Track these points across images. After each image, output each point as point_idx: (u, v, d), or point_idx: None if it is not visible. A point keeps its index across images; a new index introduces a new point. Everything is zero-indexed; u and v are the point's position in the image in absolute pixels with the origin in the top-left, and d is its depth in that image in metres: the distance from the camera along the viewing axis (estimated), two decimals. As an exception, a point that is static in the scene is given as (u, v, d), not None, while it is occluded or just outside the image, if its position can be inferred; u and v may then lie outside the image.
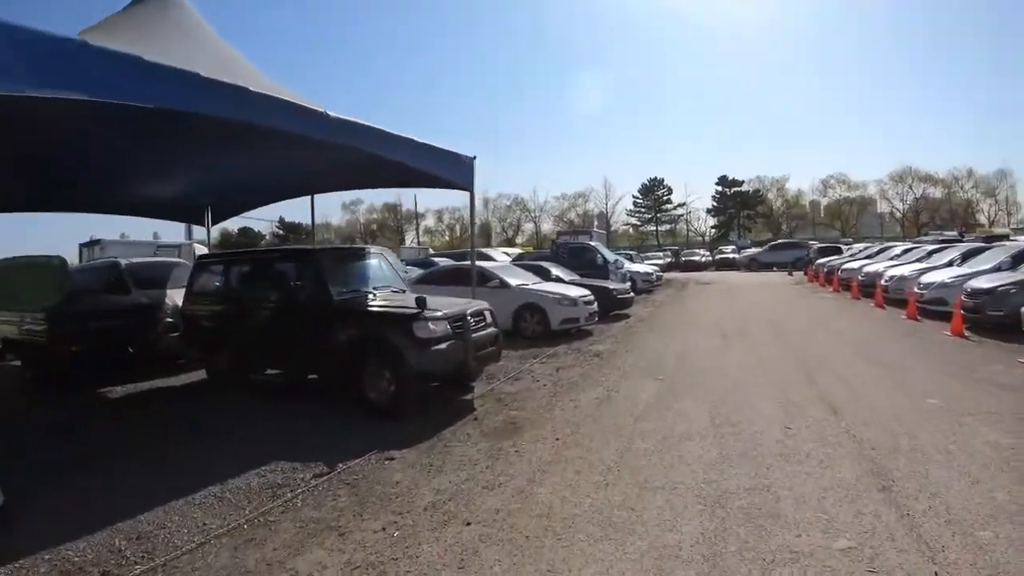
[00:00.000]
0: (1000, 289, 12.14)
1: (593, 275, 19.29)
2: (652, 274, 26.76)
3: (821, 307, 18.38)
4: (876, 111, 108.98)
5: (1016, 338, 10.85)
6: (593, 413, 7.25)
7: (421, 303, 7.32)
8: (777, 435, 6.07)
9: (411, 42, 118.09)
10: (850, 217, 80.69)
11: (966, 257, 16.77)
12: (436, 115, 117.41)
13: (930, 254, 19.40)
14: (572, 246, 21.86)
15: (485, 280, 13.74)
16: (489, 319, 8.62)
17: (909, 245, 24.07)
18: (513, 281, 14.12)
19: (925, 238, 31.86)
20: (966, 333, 11.78)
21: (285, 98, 6.59)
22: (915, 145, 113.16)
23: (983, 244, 18.78)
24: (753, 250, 48.31)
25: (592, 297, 14.20)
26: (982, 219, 72.71)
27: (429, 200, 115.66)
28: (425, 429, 6.72)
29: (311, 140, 6.98)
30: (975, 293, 12.53)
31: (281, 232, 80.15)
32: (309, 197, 13.67)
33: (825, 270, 26.45)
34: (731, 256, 49.92)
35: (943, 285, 14.58)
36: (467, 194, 10.10)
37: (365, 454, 5.94)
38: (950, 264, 16.89)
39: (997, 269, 14.21)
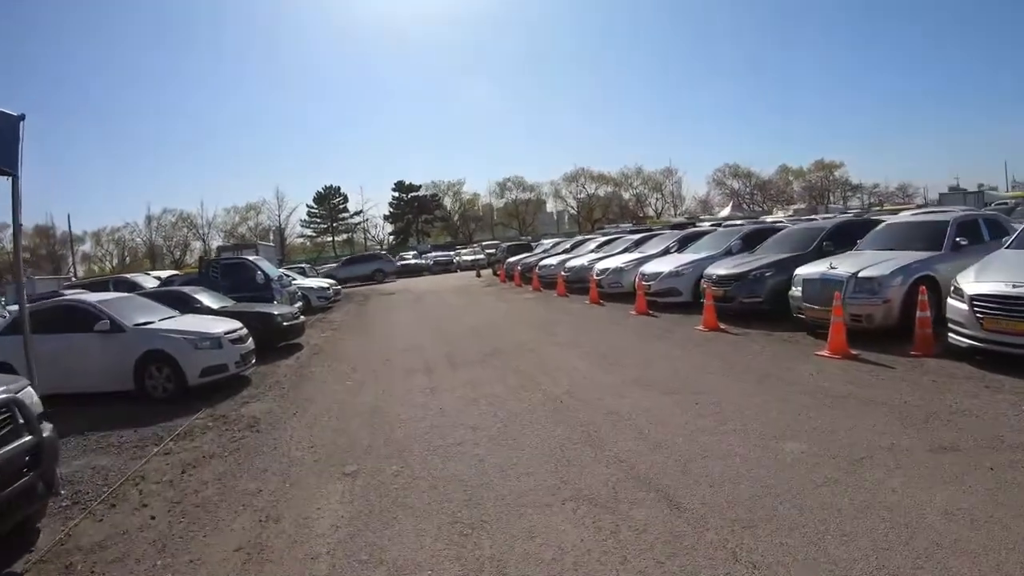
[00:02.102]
0: (753, 273, 11.14)
1: (254, 298, 15.34)
2: (328, 288, 23.26)
3: (532, 309, 16.72)
4: (547, 117, 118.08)
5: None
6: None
7: None
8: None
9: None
10: (526, 216, 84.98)
11: (682, 244, 16.39)
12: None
13: (637, 244, 19.09)
14: (225, 264, 17.53)
15: (90, 322, 9.49)
16: (21, 416, 4.62)
17: (607, 237, 24.03)
18: (131, 320, 9.83)
19: (614, 230, 33.07)
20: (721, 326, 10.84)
21: None
22: (586, 148, 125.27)
23: (698, 231, 19.02)
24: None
25: (245, 331, 10.46)
26: (650, 211, 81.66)
27: (85, 221, 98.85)
28: None
29: None
30: (723, 280, 11.49)
31: None
32: None
33: (519, 268, 25.40)
34: (412, 262, 48.38)
35: (674, 274, 13.78)
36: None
37: None
38: (667, 252, 16.36)
39: (728, 253, 13.53)
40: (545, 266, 22.63)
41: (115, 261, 77.00)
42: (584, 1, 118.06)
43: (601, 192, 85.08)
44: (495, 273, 32.39)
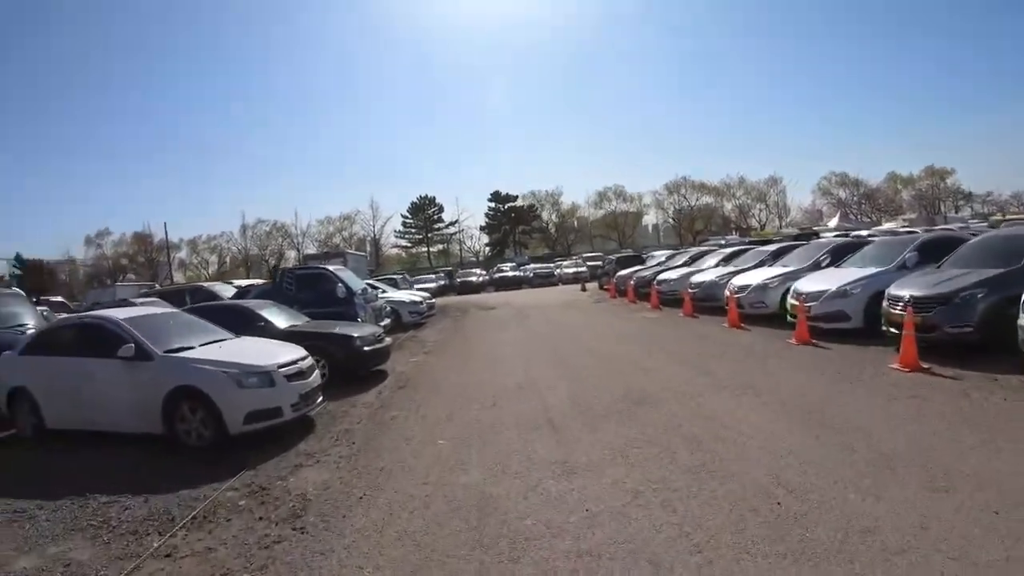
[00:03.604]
0: (961, 295, 8.19)
1: (332, 315, 13.07)
2: (421, 303, 20.80)
3: (662, 333, 13.63)
4: (648, 126, 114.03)
5: None
6: None
7: None
8: None
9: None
10: (625, 228, 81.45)
11: (835, 256, 13.20)
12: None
13: (775, 256, 15.89)
14: (301, 275, 15.25)
15: (114, 344, 7.39)
16: None
17: (732, 248, 20.44)
18: (164, 345, 7.52)
19: (720, 242, 29.57)
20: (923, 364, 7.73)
21: None
22: (687, 156, 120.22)
23: (855, 240, 15.84)
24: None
25: (309, 362, 7.96)
26: (754, 223, 77.03)
27: (182, 229, 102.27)
28: None
29: None
30: (921, 303, 8.50)
31: (19, 271, 65.87)
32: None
33: (633, 283, 22.28)
34: (511, 274, 45.95)
35: (840, 294, 10.75)
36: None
37: None
38: (817, 266, 13.24)
39: (903, 267, 10.55)
40: (665, 281, 19.37)
41: (210, 269, 78.28)
42: (688, 4, 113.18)
43: (702, 203, 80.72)
44: (602, 287, 29.42)
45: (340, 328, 11.00)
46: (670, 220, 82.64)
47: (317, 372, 8.15)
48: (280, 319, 11.00)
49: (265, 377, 7.15)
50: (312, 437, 7.30)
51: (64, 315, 13.29)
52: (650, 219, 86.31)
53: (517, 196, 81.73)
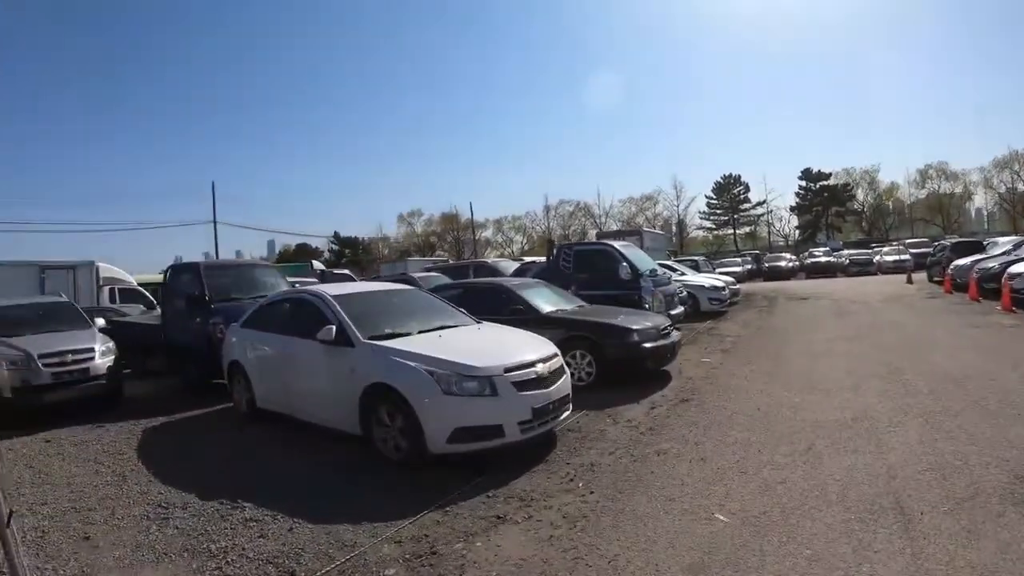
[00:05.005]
0: None
1: (614, 299, 11.25)
2: (723, 289, 17.88)
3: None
4: (968, 95, 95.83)
5: None
6: None
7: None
8: None
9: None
10: (950, 211, 69.12)
11: None
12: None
13: None
14: (580, 251, 13.39)
15: (318, 325, 6.40)
16: None
17: None
18: (373, 329, 6.28)
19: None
20: None
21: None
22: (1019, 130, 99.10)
23: None
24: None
25: (556, 364, 6.08)
26: None
27: (488, 209, 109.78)
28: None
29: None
30: None
31: (337, 247, 77.11)
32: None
33: (976, 275, 17.20)
34: (824, 260, 40.38)
35: None
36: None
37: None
38: None
39: None
40: (1019, 274, 14.18)
41: (514, 247, 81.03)
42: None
43: None
44: (932, 279, 23.75)
45: (615, 318, 8.96)
46: (1002, 203, 67.81)
47: (567, 377, 6.25)
48: (545, 302, 9.37)
49: (484, 383, 5.41)
50: (541, 468, 5.42)
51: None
52: (979, 199, 71.83)
53: (830, 174, 72.89)
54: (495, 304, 9.11)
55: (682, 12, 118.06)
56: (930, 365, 8.58)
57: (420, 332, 6.50)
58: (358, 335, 6.13)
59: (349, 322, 6.27)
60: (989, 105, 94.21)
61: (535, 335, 6.86)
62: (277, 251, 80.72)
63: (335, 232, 79.10)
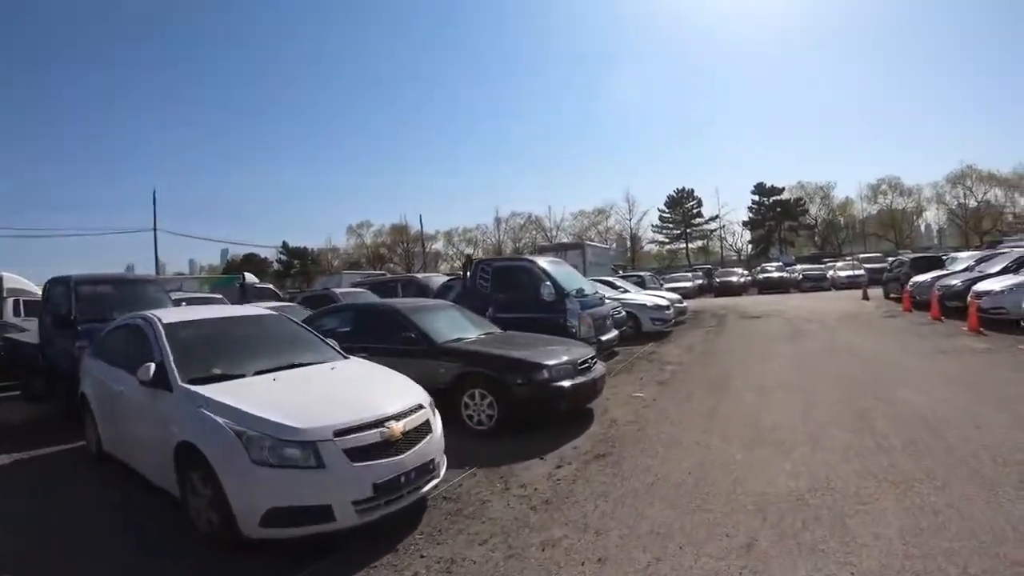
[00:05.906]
0: None
1: (534, 322, 9.68)
2: (667, 307, 16.26)
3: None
4: (928, 108, 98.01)
5: None
6: None
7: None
8: None
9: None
10: (902, 226, 69.89)
11: None
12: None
13: None
14: (499, 268, 11.71)
15: (143, 359, 5.07)
16: None
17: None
18: (196, 371, 4.75)
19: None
20: None
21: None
22: (970, 145, 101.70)
23: None
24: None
25: (418, 418, 4.51)
26: None
27: (439, 221, 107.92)
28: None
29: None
30: None
31: (286, 257, 75.08)
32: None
33: (939, 292, 16.10)
34: (777, 275, 39.57)
35: None
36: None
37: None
38: None
39: None
40: (989, 293, 13.11)
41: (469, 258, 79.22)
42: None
43: (992, 197, 66.11)
44: (889, 296, 22.91)
45: (525, 350, 7.31)
46: (954, 219, 69.12)
47: (434, 436, 4.73)
48: (446, 328, 7.75)
49: (307, 450, 3.91)
50: (387, 561, 3.94)
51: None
52: (930, 215, 73.16)
53: (783, 188, 73.31)
54: (388, 331, 7.54)
55: (634, 28, 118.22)
56: (900, 405, 7.15)
57: (257, 373, 4.89)
58: (176, 376, 4.64)
59: (171, 358, 4.82)
60: (943, 119, 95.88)
61: (406, 379, 5.28)
62: (227, 261, 78.52)
63: (283, 242, 77.25)
